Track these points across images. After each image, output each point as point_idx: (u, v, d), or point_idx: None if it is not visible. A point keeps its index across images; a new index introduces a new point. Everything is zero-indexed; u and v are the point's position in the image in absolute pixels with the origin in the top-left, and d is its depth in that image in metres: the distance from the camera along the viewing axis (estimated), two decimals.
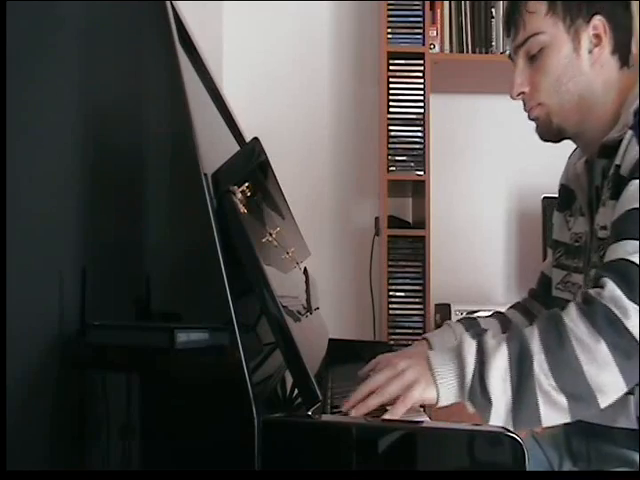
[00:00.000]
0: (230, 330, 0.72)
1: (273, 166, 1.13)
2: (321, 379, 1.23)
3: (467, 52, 2.47)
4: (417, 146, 2.39)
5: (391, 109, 2.40)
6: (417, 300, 2.38)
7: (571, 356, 0.89)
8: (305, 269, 1.61)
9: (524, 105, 1.17)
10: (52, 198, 0.79)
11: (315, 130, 2.73)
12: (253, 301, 0.78)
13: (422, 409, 1.04)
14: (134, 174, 0.81)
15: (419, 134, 2.40)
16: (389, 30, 2.41)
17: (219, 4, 2.69)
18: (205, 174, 0.77)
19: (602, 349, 0.88)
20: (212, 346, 0.74)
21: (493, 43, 2.48)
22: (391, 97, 2.40)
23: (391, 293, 2.37)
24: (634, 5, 1.16)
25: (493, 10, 2.50)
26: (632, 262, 0.92)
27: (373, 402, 0.91)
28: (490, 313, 1.37)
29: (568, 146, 1.25)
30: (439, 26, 2.46)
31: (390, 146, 2.39)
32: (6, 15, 0.78)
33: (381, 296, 2.46)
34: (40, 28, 0.81)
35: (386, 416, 0.88)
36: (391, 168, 2.39)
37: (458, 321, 1.32)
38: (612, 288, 0.91)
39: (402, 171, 2.40)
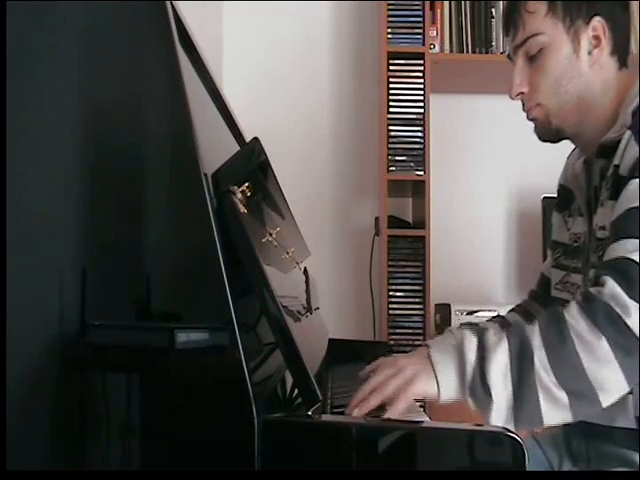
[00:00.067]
0: (230, 330, 0.72)
1: (273, 166, 1.13)
2: (321, 379, 1.23)
3: (467, 52, 2.47)
4: (417, 146, 2.39)
5: (391, 109, 2.40)
6: (417, 300, 2.38)
7: (572, 353, 0.89)
8: (305, 269, 1.61)
9: (523, 105, 1.17)
10: (52, 198, 0.79)
11: (315, 130, 2.73)
12: (253, 301, 0.78)
13: (422, 409, 1.04)
14: (134, 174, 0.81)
15: (419, 134, 2.40)
16: (389, 30, 2.41)
17: (219, 4, 2.69)
18: (205, 174, 0.77)
19: (603, 346, 0.88)
20: (212, 346, 0.74)
21: (493, 43, 2.48)
22: (391, 97, 2.40)
23: (391, 293, 2.37)
24: (632, 5, 1.16)
25: (493, 10, 2.50)
26: (632, 260, 0.92)
27: (374, 400, 0.91)
28: (490, 318, 1.37)
29: (568, 146, 1.25)
30: (439, 26, 2.46)
31: (390, 146, 2.39)
32: (6, 15, 0.78)
33: (381, 296, 2.46)
34: (40, 28, 0.81)
35: (387, 412, 0.89)
36: (391, 168, 2.39)
37: (459, 327, 1.32)
38: (612, 286, 0.91)
39: (402, 171, 2.40)
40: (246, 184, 0.88)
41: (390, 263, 2.37)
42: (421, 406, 1.02)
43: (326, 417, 0.87)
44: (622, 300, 0.89)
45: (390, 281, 2.37)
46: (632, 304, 0.89)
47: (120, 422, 0.75)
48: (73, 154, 0.80)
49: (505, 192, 2.75)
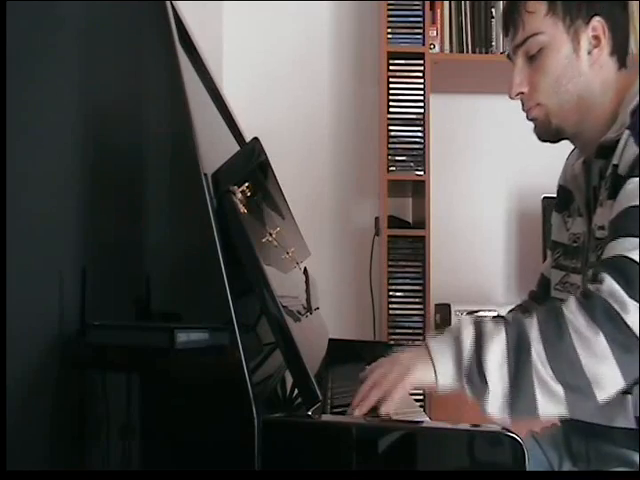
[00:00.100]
0: (230, 330, 0.73)
1: (273, 166, 1.13)
2: (321, 379, 1.23)
3: (467, 52, 2.47)
4: (417, 146, 2.39)
5: (391, 109, 2.40)
6: (417, 300, 2.38)
7: (569, 347, 0.89)
8: (305, 269, 1.61)
9: (523, 105, 1.17)
10: (52, 198, 0.79)
11: (315, 130, 2.73)
12: (253, 301, 0.78)
13: (422, 409, 1.04)
14: (134, 174, 0.81)
15: (419, 134, 2.40)
16: (389, 30, 2.41)
17: (219, 4, 2.69)
18: (205, 174, 0.77)
19: (600, 342, 0.88)
20: (212, 346, 0.74)
21: (493, 43, 2.48)
22: (391, 97, 2.40)
23: (391, 293, 2.37)
24: (632, 5, 1.16)
25: (493, 10, 2.49)
26: (631, 259, 0.92)
27: (374, 396, 0.91)
28: (490, 318, 1.37)
29: (568, 146, 1.25)
30: (439, 26, 2.46)
31: (390, 146, 2.39)
32: (6, 15, 0.78)
33: (381, 296, 2.46)
34: (40, 28, 0.81)
35: (385, 403, 0.89)
36: (391, 168, 2.39)
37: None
38: (610, 283, 0.91)
39: (402, 171, 2.39)
40: (246, 184, 0.88)
41: (390, 263, 2.37)
42: (421, 406, 1.02)
43: (326, 417, 0.87)
44: (620, 297, 0.90)
45: (390, 281, 2.37)
46: (631, 302, 0.89)
47: (120, 422, 0.75)
48: (73, 154, 0.80)
49: (505, 192, 2.75)
